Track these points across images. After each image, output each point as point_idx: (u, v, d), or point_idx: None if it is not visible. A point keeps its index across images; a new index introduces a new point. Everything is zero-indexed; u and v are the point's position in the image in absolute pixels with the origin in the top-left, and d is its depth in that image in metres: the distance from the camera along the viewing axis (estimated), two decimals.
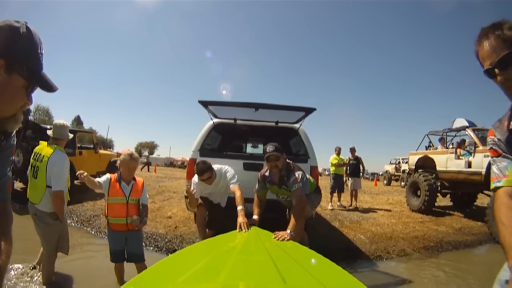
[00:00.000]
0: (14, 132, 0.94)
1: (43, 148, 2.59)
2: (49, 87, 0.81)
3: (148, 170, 20.89)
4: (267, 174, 2.95)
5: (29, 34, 0.76)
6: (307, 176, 3.09)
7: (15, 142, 0.95)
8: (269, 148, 2.83)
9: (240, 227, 2.45)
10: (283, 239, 2.21)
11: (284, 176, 2.86)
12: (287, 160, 2.93)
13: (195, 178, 3.18)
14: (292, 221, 2.56)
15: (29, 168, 2.59)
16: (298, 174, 2.78)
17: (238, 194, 2.92)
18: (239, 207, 2.74)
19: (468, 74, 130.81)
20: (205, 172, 3.03)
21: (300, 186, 2.73)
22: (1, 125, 0.81)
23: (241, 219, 2.54)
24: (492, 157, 1.02)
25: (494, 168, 1.01)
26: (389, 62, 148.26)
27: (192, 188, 3.16)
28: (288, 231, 2.39)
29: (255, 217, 2.72)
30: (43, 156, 2.50)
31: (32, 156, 2.57)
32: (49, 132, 2.69)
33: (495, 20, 0.90)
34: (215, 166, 3.22)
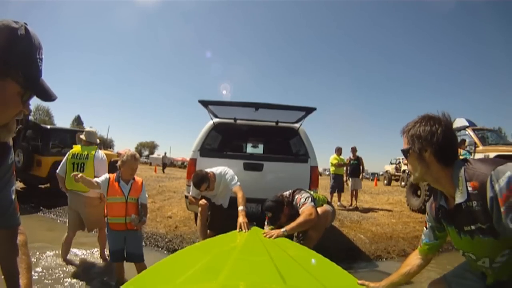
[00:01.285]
0: (13, 155, 0.90)
1: (83, 149, 3.19)
2: (47, 96, 0.74)
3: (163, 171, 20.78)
4: None
5: (28, 36, 0.69)
6: (313, 193, 3.09)
7: (12, 160, 0.89)
8: (267, 226, 2.84)
9: (241, 227, 2.45)
10: (269, 236, 2.21)
11: (292, 211, 2.89)
12: (285, 196, 2.94)
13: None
14: (295, 222, 2.55)
15: (69, 166, 3.10)
16: (296, 198, 2.86)
17: (240, 195, 2.92)
18: (240, 207, 2.74)
19: (468, 74, 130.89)
20: (201, 184, 3.05)
21: (303, 201, 2.79)
22: None
23: (241, 219, 2.54)
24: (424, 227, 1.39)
25: (422, 234, 1.39)
26: (388, 62, 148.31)
27: (191, 193, 3.23)
28: (283, 229, 2.38)
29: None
30: (88, 154, 3.15)
31: (70, 157, 3.14)
32: (82, 137, 3.30)
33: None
34: (214, 170, 3.23)
